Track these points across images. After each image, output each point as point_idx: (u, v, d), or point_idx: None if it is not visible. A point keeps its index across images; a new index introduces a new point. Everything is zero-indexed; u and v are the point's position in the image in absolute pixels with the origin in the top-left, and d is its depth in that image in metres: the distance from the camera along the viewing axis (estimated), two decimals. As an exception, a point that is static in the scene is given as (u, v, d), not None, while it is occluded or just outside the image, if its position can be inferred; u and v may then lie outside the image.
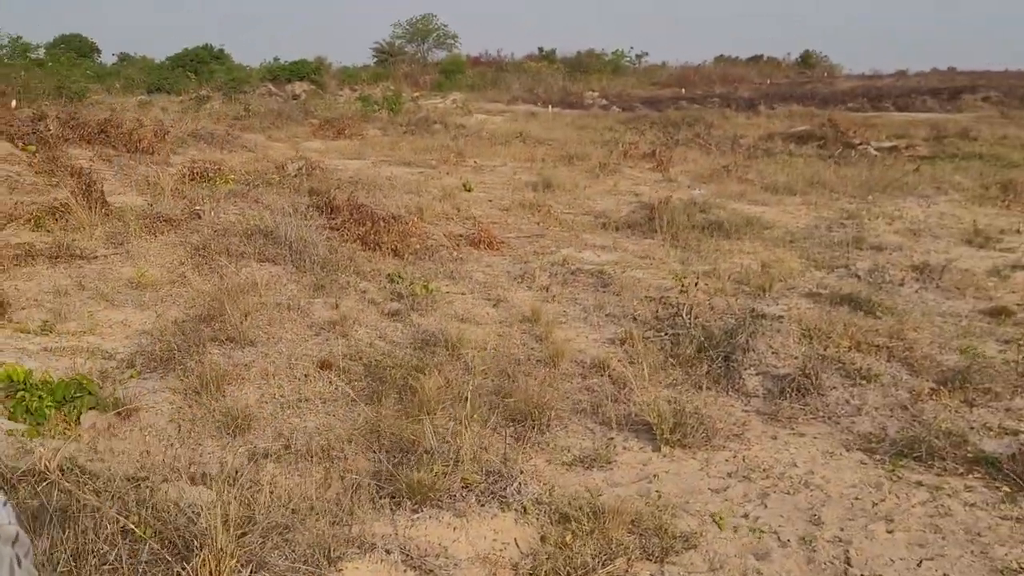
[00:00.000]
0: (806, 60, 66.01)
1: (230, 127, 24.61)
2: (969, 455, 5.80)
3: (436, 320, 8.42)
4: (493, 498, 5.00)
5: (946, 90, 41.04)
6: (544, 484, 5.39)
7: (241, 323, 7.52)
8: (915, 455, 5.83)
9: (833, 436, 6.25)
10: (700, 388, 7.08)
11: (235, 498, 4.42)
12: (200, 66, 51.04)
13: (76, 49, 58.47)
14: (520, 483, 5.14)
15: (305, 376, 6.79)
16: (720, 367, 7.28)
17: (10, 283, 8.60)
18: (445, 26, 65.09)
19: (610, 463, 5.86)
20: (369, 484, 5.02)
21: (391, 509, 4.82)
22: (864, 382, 6.97)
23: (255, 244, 9.96)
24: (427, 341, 7.80)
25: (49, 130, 16.30)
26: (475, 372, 6.71)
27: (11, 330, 7.57)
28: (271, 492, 4.67)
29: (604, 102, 42.41)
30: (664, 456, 5.96)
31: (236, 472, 4.93)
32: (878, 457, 5.90)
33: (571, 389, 7.07)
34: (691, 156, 20.35)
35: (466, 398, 5.90)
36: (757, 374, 7.17)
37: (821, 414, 6.58)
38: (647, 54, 62.62)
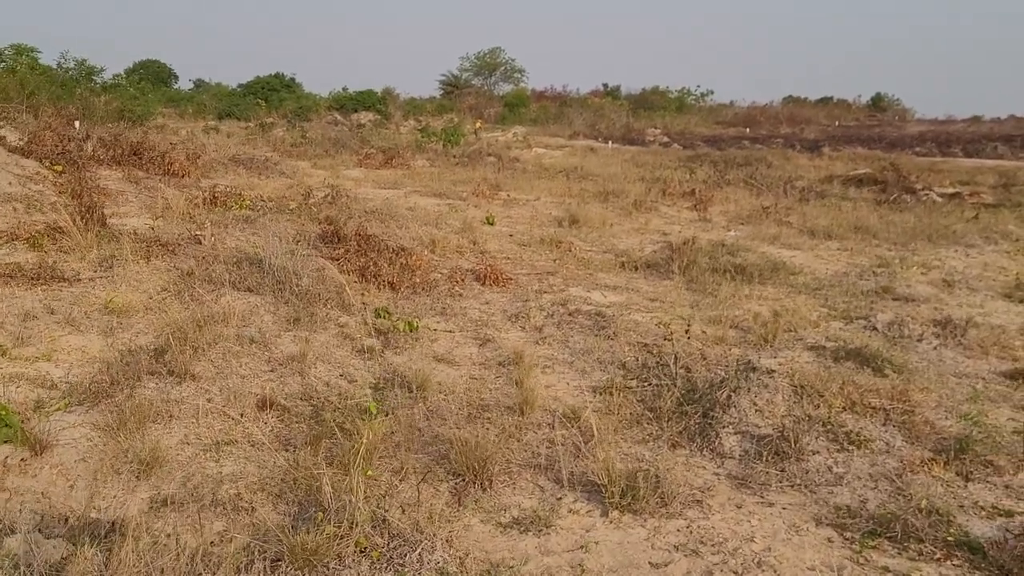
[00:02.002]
0: (877, 103, 64.50)
1: (280, 153, 24.70)
2: (951, 538, 5.10)
3: (410, 359, 7.95)
4: (388, 566, 4.48)
5: (1020, 137, 39.47)
6: (457, 551, 4.85)
7: (190, 356, 7.14)
8: (890, 534, 5.16)
9: (805, 508, 5.59)
10: (674, 446, 6.49)
11: (88, 556, 3.98)
12: (271, 94, 51.88)
13: (155, 74, 60.05)
14: (424, 549, 4.61)
15: (240, 416, 6.36)
16: (697, 424, 6.67)
17: (-20, 304, 8.38)
18: (512, 60, 65.30)
19: (550, 527, 5.30)
20: (250, 544, 4.53)
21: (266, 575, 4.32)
22: (852, 448, 6.29)
23: (240, 272, 9.64)
24: (391, 382, 7.34)
25: (81, 150, 16.35)
26: (371, 418, 6.15)
27: (-35, 354, 7.32)
28: (136, 549, 4.21)
29: (665, 139, 41.81)
30: (610, 522, 5.37)
31: (110, 523, 4.50)
32: (848, 535, 5.23)
33: (533, 441, 6.52)
34: (735, 196, 19.64)
35: (385, 447, 5.40)
36: (736, 433, 6.53)
37: (797, 481, 5.92)
38: (712, 92, 61.88)
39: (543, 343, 8.86)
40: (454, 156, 27.31)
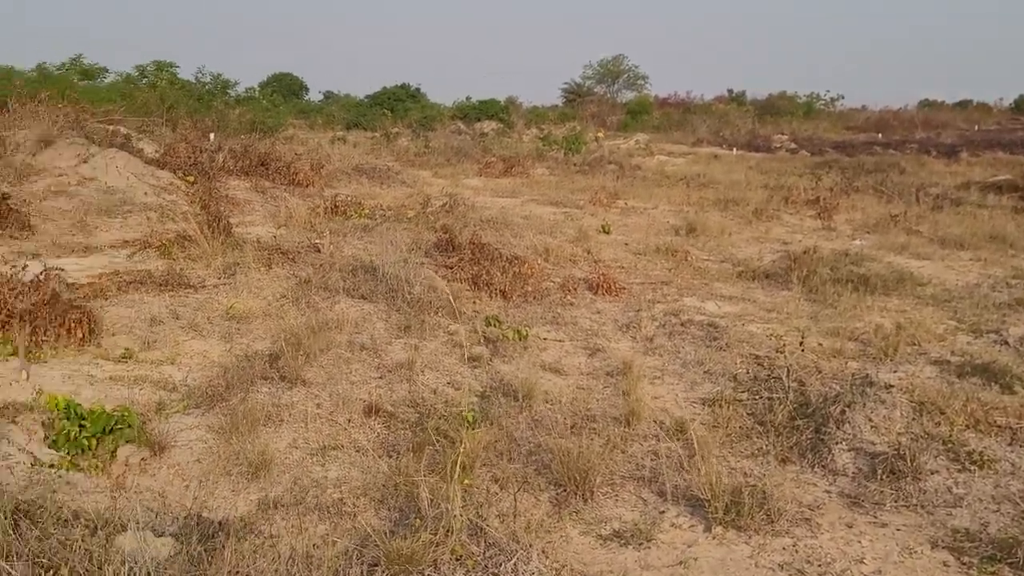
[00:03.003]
0: (1021, 105, 61.22)
1: (402, 163, 25.18)
2: (1080, 569, 4.78)
3: (518, 368, 7.97)
4: (483, 575, 4.48)
5: None
6: (554, 563, 4.81)
7: (302, 362, 7.32)
8: (1011, 560, 4.87)
9: (920, 529, 5.34)
10: (783, 462, 6.30)
11: (189, 555, 4.13)
12: (396, 104, 52.90)
13: (287, 87, 62.06)
14: (519, 559, 4.59)
15: (348, 422, 6.49)
16: (809, 439, 6.46)
17: (113, 310, 8.80)
18: (636, 67, 64.73)
19: (651, 541, 5.22)
20: (349, 549, 4.60)
21: (363, 581, 4.38)
22: (974, 468, 5.96)
23: (355, 280, 9.85)
24: (498, 390, 7.37)
25: (212, 162, 17.03)
26: (470, 427, 6.14)
27: (93, 356, 7.69)
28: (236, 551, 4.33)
29: (793, 146, 40.75)
30: (713, 538, 5.25)
31: (217, 523, 4.65)
32: (966, 559, 4.97)
33: (637, 452, 6.44)
34: (863, 204, 18.97)
35: (488, 455, 5.40)
36: (849, 450, 6.29)
37: (913, 502, 5.66)
38: (843, 97, 59.86)
39: (653, 353, 8.75)
40: (574, 164, 27.28)
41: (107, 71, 32.94)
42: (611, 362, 8.37)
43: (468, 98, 52.76)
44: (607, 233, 14.68)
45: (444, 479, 5.37)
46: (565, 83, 64.78)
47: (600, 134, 42.07)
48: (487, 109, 50.44)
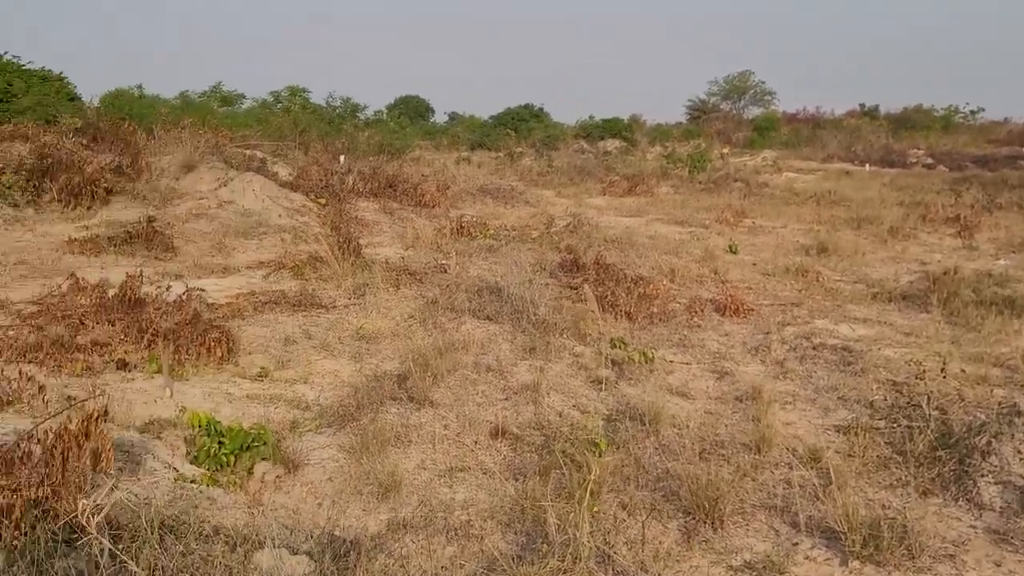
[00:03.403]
0: None
1: (526, 182, 25.34)
2: None
3: (644, 391, 7.87)
4: (610, 606, 4.43)
5: None
6: (683, 594, 4.72)
7: (430, 383, 7.42)
8: None
9: (1077, 573, 5.02)
10: (924, 494, 6.02)
11: (322, 574, 4.21)
12: (520, 124, 53.31)
13: (413, 109, 63.34)
14: (647, 591, 4.52)
15: (474, 443, 6.53)
16: (952, 471, 6.16)
17: (249, 329, 9.11)
18: (762, 83, 63.54)
19: (783, 574, 5.06)
20: (476, 573, 4.62)
21: (490, 606, 4.39)
22: None
23: (480, 300, 9.93)
24: (624, 413, 7.29)
25: (343, 184, 17.51)
26: (600, 453, 6.05)
27: (231, 374, 7.97)
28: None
29: (930, 161, 39.20)
30: (850, 572, 5.05)
31: (350, 542, 4.74)
32: None
33: (769, 481, 6.27)
34: (1007, 221, 18.10)
35: (619, 480, 5.34)
36: (996, 483, 5.97)
37: (1069, 543, 5.33)
38: (983, 110, 57.24)
39: (784, 378, 8.52)
40: (699, 182, 26.93)
41: (244, 97, 34.41)
42: (740, 386, 8.19)
43: (591, 117, 52.74)
44: (734, 253, 14.41)
45: (571, 504, 5.34)
46: (689, 100, 64.11)
47: (725, 151, 41.40)
48: (610, 127, 50.35)
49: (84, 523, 3.95)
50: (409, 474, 6.04)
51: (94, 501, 3.91)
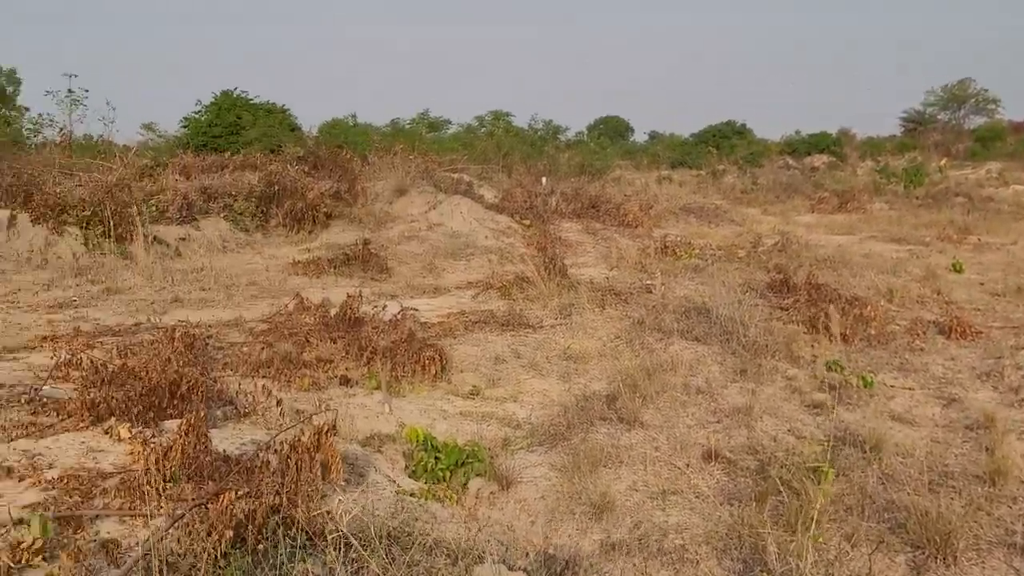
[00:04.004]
0: None
1: (730, 201, 24.91)
2: None
3: (864, 417, 7.53)
4: (837, 641, 4.25)
5: None
6: (915, 634, 4.46)
7: (639, 403, 7.38)
8: None
9: None
10: None
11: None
12: (722, 141, 52.46)
13: (613, 129, 63.58)
14: (877, 628, 4.30)
15: (686, 466, 6.44)
16: None
17: (460, 348, 9.37)
18: (985, 90, 59.69)
19: (1026, 619, 4.71)
20: (694, 599, 4.54)
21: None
22: None
23: (688, 321, 9.81)
24: (844, 440, 7.00)
25: (546, 205, 17.77)
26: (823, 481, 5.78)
27: (444, 391, 8.23)
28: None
29: None
30: (1104, 622, 4.64)
31: (564, 561, 4.77)
32: None
33: (1006, 516, 5.85)
34: None
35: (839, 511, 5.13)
36: None
37: None
38: None
39: (1020, 406, 7.93)
40: (916, 197, 25.60)
41: (450, 123, 35.62)
42: (970, 414, 7.70)
43: (797, 132, 51.22)
44: (959, 272, 13.58)
45: (791, 532, 5.18)
46: (904, 112, 61.16)
47: (944, 164, 39.17)
48: (818, 143, 48.73)
49: (322, 531, 4.18)
50: (621, 495, 6.03)
51: (330, 510, 4.12)
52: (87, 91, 21.93)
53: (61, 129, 23.36)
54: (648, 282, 11.93)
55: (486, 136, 33.44)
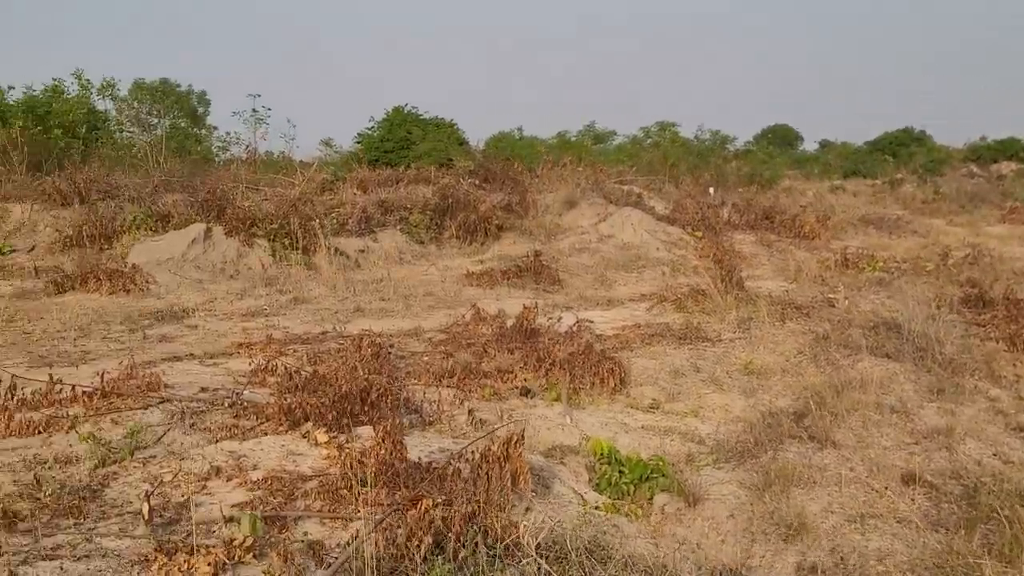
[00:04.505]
0: None
1: (910, 211, 23.83)
2: None
3: (1078, 442, 7.01)
4: None
5: None
6: None
7: (829, 422, 7.10)
8: None
9: None
10: None
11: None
12: (899, 149, 50.35)
13: (781, 138, 61.93)
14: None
15: (884, 489, 6.14)
16: None
17: (637, 360, 9.28)
18: None
19: None
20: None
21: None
22: None
23: (876, 337, 9.39)
24: (1056, 467, 6.53)
25: (720, 216, 17.45)
26: None
27: (624, 405, 8.16)
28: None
29: None
30: None
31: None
32: None
33: None
34: None
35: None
36: None
37: None
38: None
39: None
40: None
41: (615, 134, 35.56)
42: None
43: (983, 138, 48.58)
44: None
45: (1005, 563, 4.86)
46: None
47: None
48: (1006, 149, 46.11)
49: (516, 541, 4.20)
50: (816, 517, 5.80)
51: (530, 521, 4.13)
52: (270, 110, 23.11)
53: (247, 146, 24.69)
54: (830, 296, 11.50)
55: (652, 147, 33.17)
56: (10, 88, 25.03)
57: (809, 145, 63.64)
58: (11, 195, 16.88)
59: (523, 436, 5.59)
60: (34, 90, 24.84)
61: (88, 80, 25.72)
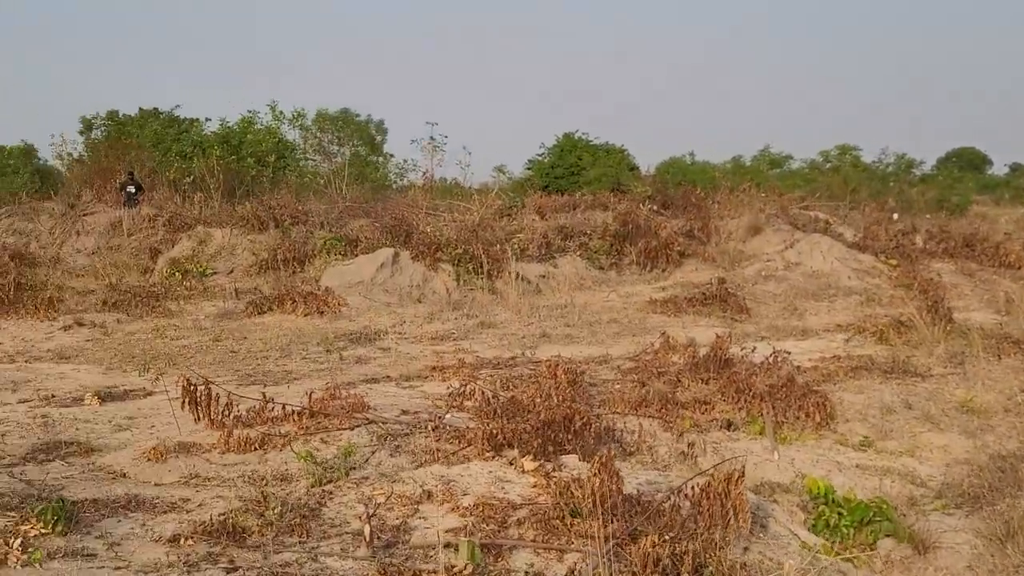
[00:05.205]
0: None
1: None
2: None
3: None
4: None
5: None
6: None
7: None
8: None
9: None
10: None
11: None
12: None
13: (968, 161, 58.78)
14: None
15: None
16: None
17: (841, 395, 8.82)
18: None
19: None
20: None
21: None
22: None
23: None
24: None
25: (914, 244, 16.59)
26: None
27: (832, 441, 7.75)
28: None
29: None
30: None
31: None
32: None
33: None
34: None
35: None
36: None
37: None
38: None
39: None
40: None
41: (791, 158, 34.57)
42: None
43: None
44: None
45: None
46: None
47: None
48: None
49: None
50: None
51: (746, 562, 3.89)
52: (446, 137, 23.65)
53: (424, 172, 25.35)
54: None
55: (831, 171, 32.06)
56: (207, 120, 26.69)
57: (999, 169, 60.05)
58: (211, 220, 17.84)
59: (743, 473, 5.33)
60: (229, 122, 26.37)
61: (281, 111, 27.10)
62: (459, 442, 6.73)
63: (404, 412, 7.67)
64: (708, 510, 5.08)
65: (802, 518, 6.19)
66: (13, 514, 4.91)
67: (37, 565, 4.31)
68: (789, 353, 10.11)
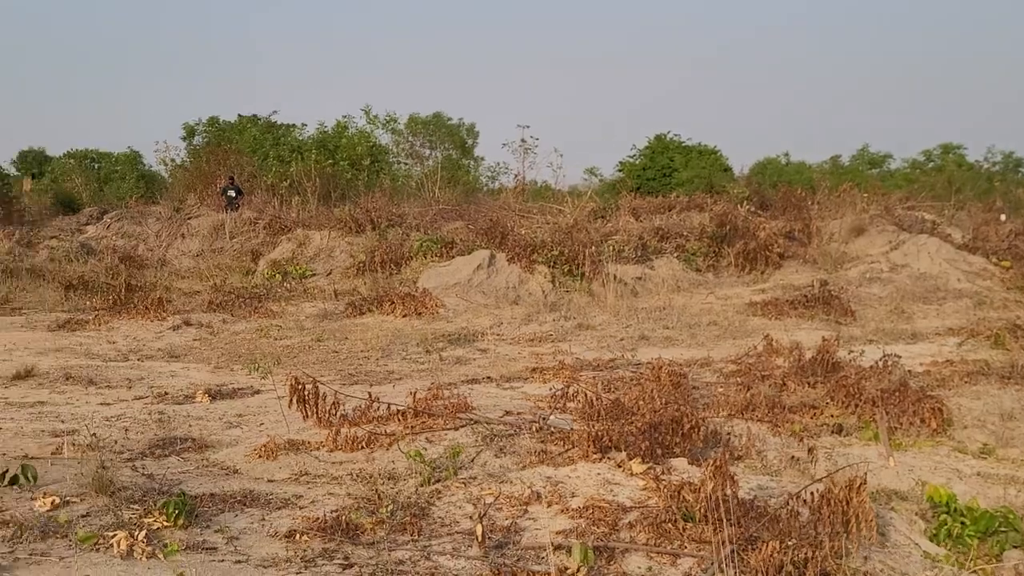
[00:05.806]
0: None
1: None
2: None
3: None
4: None
5: None
6: None
7: None
8: None
9: None
10: None
11: None
12: None
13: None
14: None
15: None
16: None
17: (957, 400, 8.50)
18: None
19: None
20: None
21: None
22: None
23: None
24: None
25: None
26: None
27: (949, 448, 7.46)
28: None
29: None
30: None
31: None
32: None
33: None
34: None
35: None
36: None
37: None
38: None
39: None
40: None
41: (891, 157, 33.65)
42: None
43: None
44: None
45: None
46: None
47: None
48: None
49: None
50: None
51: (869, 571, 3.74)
52: (537, 139, 23.69)
53: (516, 175, 25.41)
54: None
55: (934, 171, 31.08)
56: (303, 125, 27.26)
57: None
58: (309, 223, 18.17)
59: (866, 480, 5.15)
60: (325, 126, 26.87)
61: (376, 116, 27.52)
62: (564, 443, 6.68)
63: (507, 413, 7.65)
64: (829, 517, 4.92)
65: (922, 527, 5.95)
66: (136, 507, 5.04)
67: (161, 557, 4.40)
68: (900, 357, 9.81)
